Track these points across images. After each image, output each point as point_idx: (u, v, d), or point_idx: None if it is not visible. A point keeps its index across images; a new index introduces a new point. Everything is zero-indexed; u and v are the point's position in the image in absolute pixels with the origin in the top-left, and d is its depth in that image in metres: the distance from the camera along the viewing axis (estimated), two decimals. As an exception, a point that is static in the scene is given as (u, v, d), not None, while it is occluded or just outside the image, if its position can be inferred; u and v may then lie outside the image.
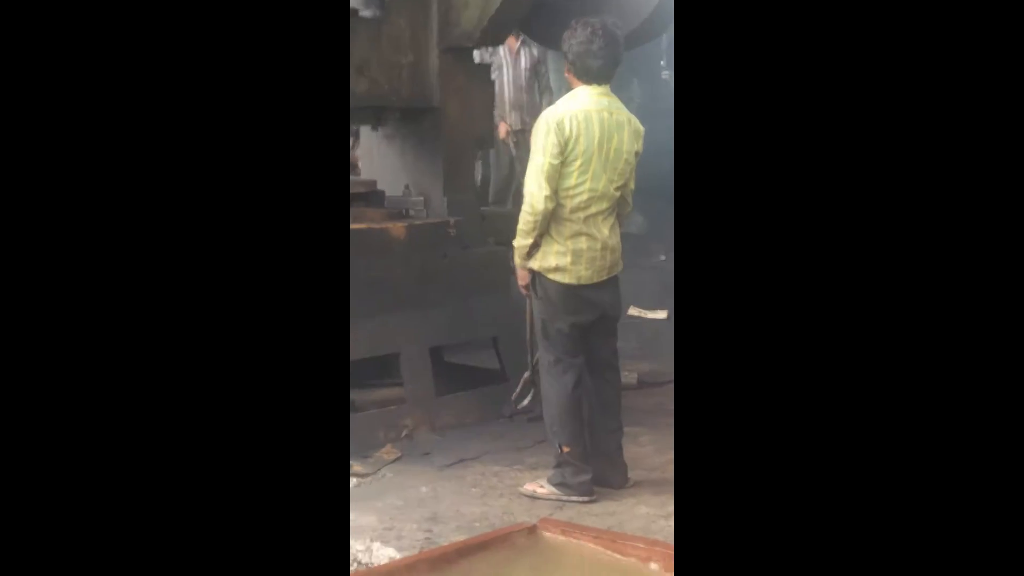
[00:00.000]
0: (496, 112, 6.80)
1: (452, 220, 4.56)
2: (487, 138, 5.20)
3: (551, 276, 3.60)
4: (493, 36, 4.69)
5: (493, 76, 6.76)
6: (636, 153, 3.63)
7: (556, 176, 3.49)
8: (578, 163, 3.50)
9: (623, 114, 3.61)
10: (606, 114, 3.55)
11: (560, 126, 3.49)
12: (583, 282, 3.60)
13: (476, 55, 6.60)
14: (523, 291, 3.76)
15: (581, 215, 3.55)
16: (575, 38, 3.56)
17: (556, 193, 3.51)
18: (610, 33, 3.56)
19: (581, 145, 3.50)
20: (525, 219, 3.55)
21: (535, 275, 3.64)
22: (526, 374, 4.43)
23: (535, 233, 3.55)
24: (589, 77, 3.57)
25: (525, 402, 4.43)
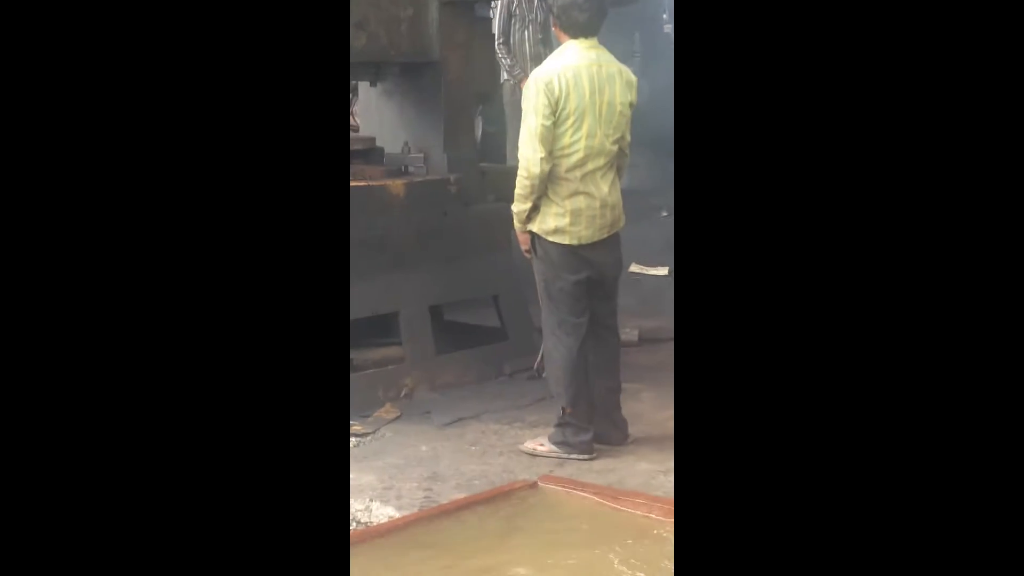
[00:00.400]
0: (519, 67, 6.72)
1: (452, 177, 4.52)
2: (488, 93, 5.14)
3: (551, 238, 3.56)
4: (493, -11, 4.61)
5: (515, 30, 6.69)
6: (630, 104, 3.58)
7: (550, 137, 3.45)
8: (570, 121, 3.46)
9: (613, 66, 3.56)
10: (595, 68, 3.49)
11: (549, 86, 3.44)
12: (583, 242, 3.57)
13: (499, 9, 6.53)
14: (525, 255, 3.72)
15: (578, 173, 3.51)
16: None
17: (551, 154, 3.47)
18: None
19: (572, 103, 3.45)
20: (522, 183, 3.51)
21: (535, 237, 3.60)
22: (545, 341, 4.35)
23: (533, 196, 3.52)
24: (576, 31, 3.52)
25: None
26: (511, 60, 6.71)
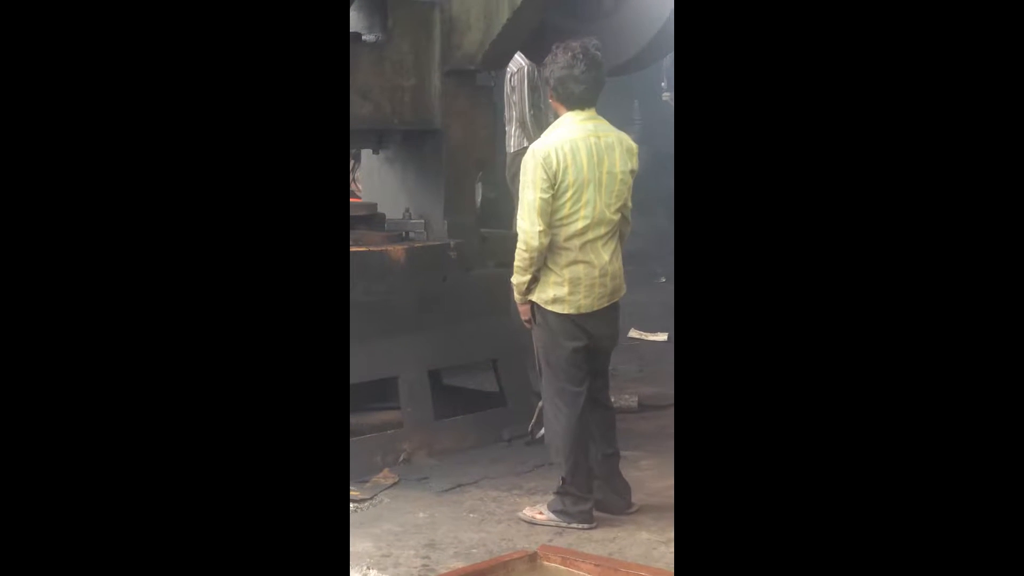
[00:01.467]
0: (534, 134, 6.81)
1: (453, 242, 4.56)
2: (489, 160, 5.21)
3: (550, 307, 3.56)
4: (495, 59, 4.70)
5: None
6: (631, 172, 3.58)
7: (548, 211, 3.46)
8: (570, 193, 3.47)
9: (612, 135, 3.57)
10: (593, 139, 3.51)
11: (547, 160, 3.45)
12: (583, 311, 3.56)
13: (520, 81, 6.64)
14: (526, 325, 3.72)
15: (577, 242, 3.51)
16: (556, 63, 3.54)
17: (550, 227, 3.48)
18: (591, 56, 3.53)
19: (571, 175, 3.46)
20: (521, 256, 3.52)
21: (535, 306, 3.61)
22: (540, 403, 4.29)
23: (532, 269, 3.53)
24: (573, 102, 3.54)
25: (543, 432, 4.25)
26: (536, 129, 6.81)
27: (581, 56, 3.50)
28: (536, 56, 5.60)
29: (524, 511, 3.70)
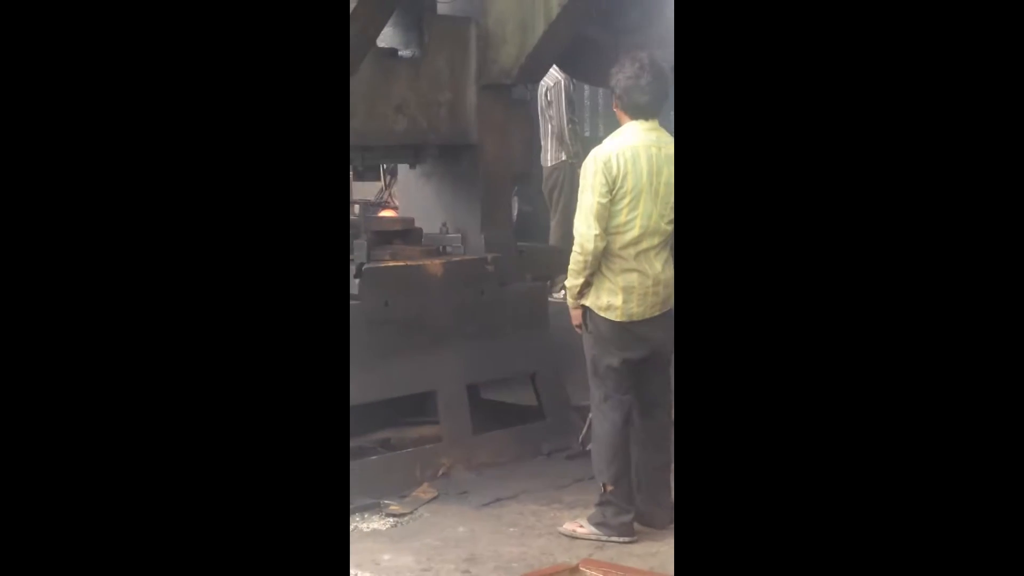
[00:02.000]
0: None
1: (490, 256, 4.57)
2: (525, 174, 5.21)
3: (603, 314, 3.58)
4: (531, 73, 4.72)
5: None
6: None
7: (605, 215, 3.49)
8: (627, 200, 3.50)
9: (673, 147, 3.58)
10: (654, 149, 3.54)
11: (607, 165, 3.49)
12: (634, 319, 3.57)
13: (558, 93, 6.64)
14: (577, 330, 3.73)
15: (632, 251, 3.53)
16: (623, 73, 3.57)
17: (606, 232, 3.50)
18: (658, 67, 3.57)
19: (629, 183, 3.49)
20: (575, 259, 3.55)
21: (586, 311, 3.62)
22: (591, 415, 4.33)
23: (586, 272, 3.55)
24: (637, 112, 3.57)
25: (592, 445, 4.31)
26: (574, 143, 6.82)
27: (648, 67, 3.55)
28: (572, 69, 5.62)
29: (564, 525, 3.69)
